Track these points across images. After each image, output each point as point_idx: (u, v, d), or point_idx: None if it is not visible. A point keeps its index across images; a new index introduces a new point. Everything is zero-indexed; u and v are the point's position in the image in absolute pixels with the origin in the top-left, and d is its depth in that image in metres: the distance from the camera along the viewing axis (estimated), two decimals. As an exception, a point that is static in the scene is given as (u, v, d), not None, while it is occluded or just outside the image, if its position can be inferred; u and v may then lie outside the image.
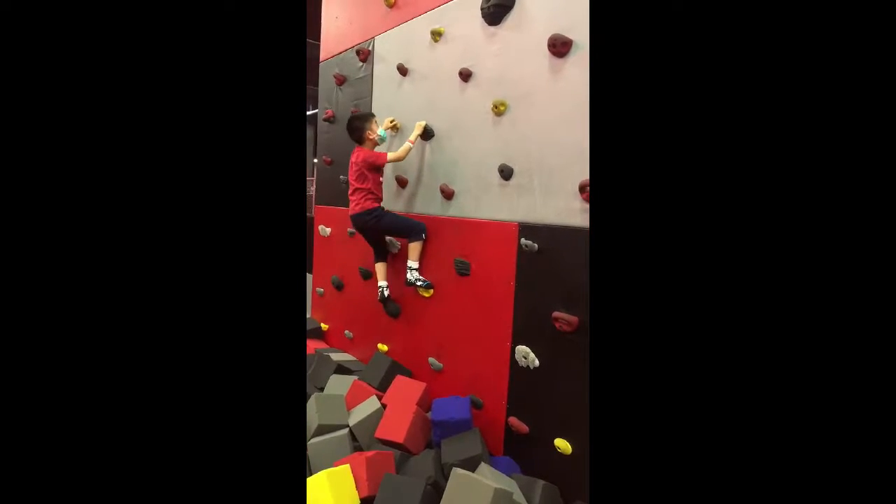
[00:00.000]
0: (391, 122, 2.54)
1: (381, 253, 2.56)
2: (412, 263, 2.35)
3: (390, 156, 2.34)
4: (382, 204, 2.44)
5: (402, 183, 2.55)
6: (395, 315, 2.64)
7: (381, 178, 2.44)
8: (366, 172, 2.35)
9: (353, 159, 2.40)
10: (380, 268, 2.56)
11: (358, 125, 2.41)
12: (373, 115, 2.51)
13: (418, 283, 2.35)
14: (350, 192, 2.43)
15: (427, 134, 2.37)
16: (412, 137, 2.33)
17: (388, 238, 2.55)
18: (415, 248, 2.33)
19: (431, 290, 2.37)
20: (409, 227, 2.35)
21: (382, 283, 2.55)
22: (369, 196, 2.37)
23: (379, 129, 2.44)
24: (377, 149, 2.44)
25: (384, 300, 2.55)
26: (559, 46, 1.73)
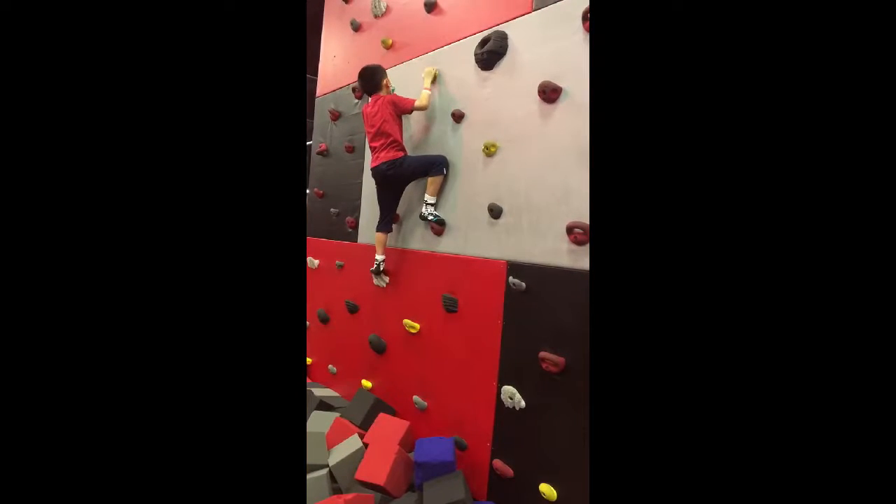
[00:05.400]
0: (432, 71, 2.37)
1: (388, 221, 2.47)
2: (429, 198, 2.27)
3: (417, 103, 2.30)
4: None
5: (394, 219, 2.56)
6: (380, 351, 2.60)
7: (402, 126, 2.36)
8: (390, 118, 2.28)
9: (370, 110, 2.33)
10: (380, 238, 2.48)
11: (373, 73, 2.37)
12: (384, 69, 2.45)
13: (430, 218, 2.25)
14: (371, 143, 2.36)
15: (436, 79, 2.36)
16: (427, 85, 2.33)
17: (376, 272, 2.54)
18: (434, 182, 2.25)
19: (443, 227, 2.26)
20: (430, 163, 2.27)
21: (380, 256, 2.48)
22: (394, 145, 2.29)
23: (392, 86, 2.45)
24: None
25: (377, 272, 2.51)
26: (549, 93, 1.79)
